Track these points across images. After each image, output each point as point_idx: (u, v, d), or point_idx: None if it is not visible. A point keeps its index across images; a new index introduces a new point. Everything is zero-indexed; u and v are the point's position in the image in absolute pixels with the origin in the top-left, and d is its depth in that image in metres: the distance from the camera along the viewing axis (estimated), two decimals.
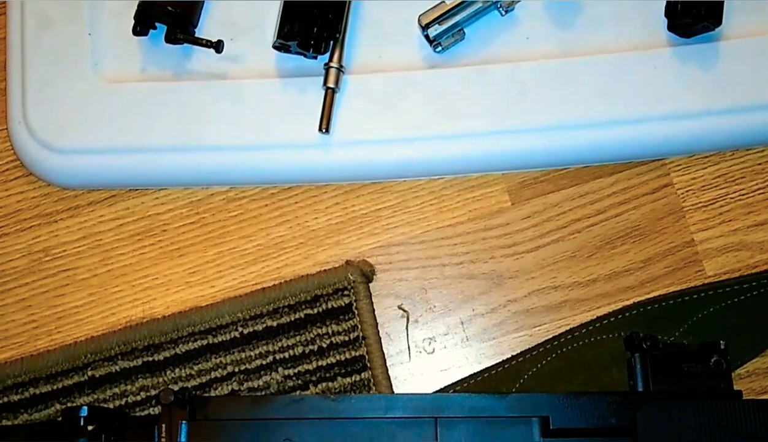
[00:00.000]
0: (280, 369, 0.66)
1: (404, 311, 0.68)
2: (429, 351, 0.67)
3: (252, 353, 0.66)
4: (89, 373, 0.66)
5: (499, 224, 0.69)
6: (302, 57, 0.67)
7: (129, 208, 0.70)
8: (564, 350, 0.65)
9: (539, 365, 0.65)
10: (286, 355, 0.66)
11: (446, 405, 0.59)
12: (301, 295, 0.66)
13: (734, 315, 0.65)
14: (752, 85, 0.67)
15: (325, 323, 0.66)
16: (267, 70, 0.68)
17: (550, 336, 0.66)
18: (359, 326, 0.66)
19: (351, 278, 0.66)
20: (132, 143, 0.67)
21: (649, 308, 0.66)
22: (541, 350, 0.65)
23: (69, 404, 0.65)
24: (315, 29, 0.65)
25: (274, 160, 0.67)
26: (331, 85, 0.66)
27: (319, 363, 0.66)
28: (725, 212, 0.68)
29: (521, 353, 0.66)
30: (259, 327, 0.66)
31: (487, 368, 0.66)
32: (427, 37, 0.67)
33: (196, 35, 0.67)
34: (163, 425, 0.58)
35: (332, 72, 0.66)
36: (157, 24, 0.68)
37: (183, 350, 0.66)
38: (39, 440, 0.59)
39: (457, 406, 0.58)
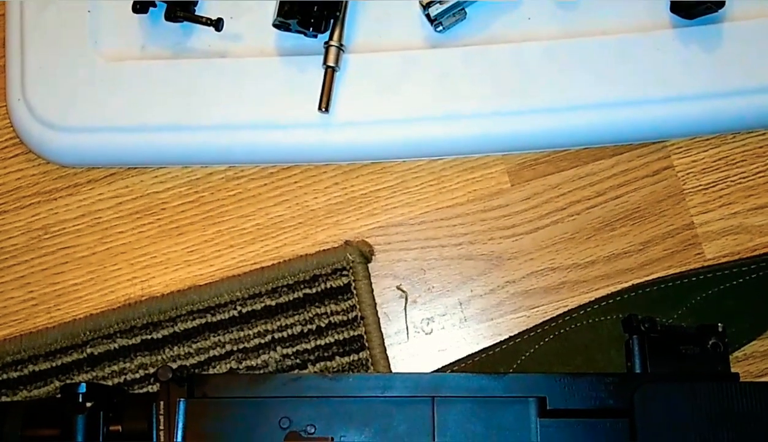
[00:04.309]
0: (278, 348, 0.66)
1: (403, 291, 0.68)
2: (427, 331, 0.67)
3: (250, 332, 0.66)
4: (88, 350, 0.66)
5: (498, 205, 0.69)
6: (302, 35, 0.67)
7: (128, 186, 0.70)
8: (562, 331, 0.65)
9: (537, 346, 0.65)
10: (285, 334, 0.66)
11: (443, 385, 0.59)
12: (300, 274, 0.66)
13: (733, 298, 0.65)
14: (755, 68, 0.66)
15: (323, 302, 0.66)
16: (267, 48, 0.68)
17: (548, 317, 0.66)
18: (358, 306, 0.66)
19: (350, 258, 0.66)
20: (131, 121, 0.67)
21: (647, 290, 0.66)
22: (539, 331, 0.65)
23: (68, 381, 0.65)
24: (315, 7, 0.64)
25: (273, 139, 0.67)
26: (331, 63, 0.66)
27: (318, 342, 0.66)
28: (725, 195, 0.68)
29: (519, 334, 0.66)
30: (258, 306, 0.66)
31: (484, 349, 0.66)
32: (428, 16, 0.66)
33: (196, 13, 0.67)
34: (161, 403, 0.58)
35: (332, 51, 0.66)
36: (156, 2, 0.67)
37: (182, 329, 0.66)
38: (38, 416, 0.59)
39: (454, 386, 0.59)
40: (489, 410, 0.58)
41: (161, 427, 0.58)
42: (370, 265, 0.67)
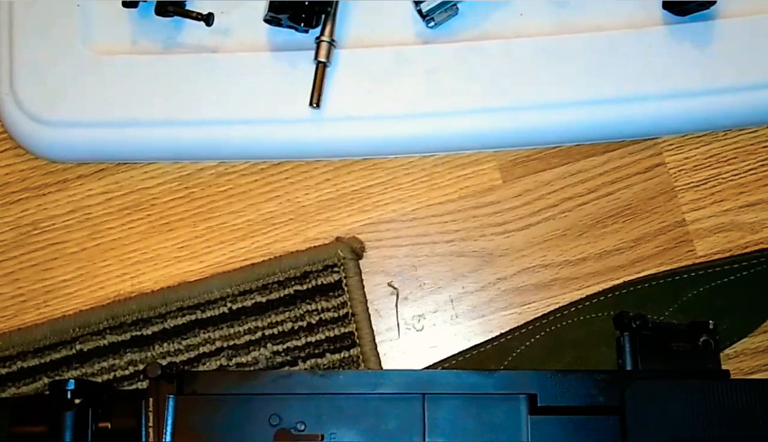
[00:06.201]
0: (268, 345, 0.66)
1: (394, 288, 0.67)
2: (418, 328, 0.67)
3: (241, 329, 0.66)
4: (77, 347, 0.66)
5: (490, 201, 0.68)
6: (293, 30, 0.66)
7: (118, 182, 0.69)
8: (553, 328, 0.65)
9: (528, 343, 0.65)
10: (275, 331, 0.66)
11: (434, 382, 0.59)
12: (291, 271, 0.66)
13: (724, 295, 0.65)
14: (747, 65, 0.66)
15: (314, 299, 0.66)
16: (258, 43, 0.67)
17: (540, 314, 0.66)
18: (349, 303, 0.66)
19: (341, 254, 0.66)
20: (121, 116, 0.67)
21: (639, 287, 0.66)
22: (530, 327, 0.65)
23: (56, 378, 0.65)
24: (306, 2, 0.64)
25: (264, 135, 0.67)
26: (322, 59, 0.65)
27: (308, 339, 0.66)
28: (717, 192, 0.68)
29: (510, 330, 0.66)
30: (248, 303, 0.66)
31: (475, 346, 0.66)
32: (420, 11, 0.66)
33: (187, 8, 0.67)
34: (151, 399, 0.58)
35: (324, 46, 0.65)
36: None
37: (171, 325, 0.66)
38: (26, 413, 0.59)
39: (444, 382, 0.58)
40: (480, 407, 0.58)
41: (150, 424, 0.58)
42: (361, 261, 0.67)
